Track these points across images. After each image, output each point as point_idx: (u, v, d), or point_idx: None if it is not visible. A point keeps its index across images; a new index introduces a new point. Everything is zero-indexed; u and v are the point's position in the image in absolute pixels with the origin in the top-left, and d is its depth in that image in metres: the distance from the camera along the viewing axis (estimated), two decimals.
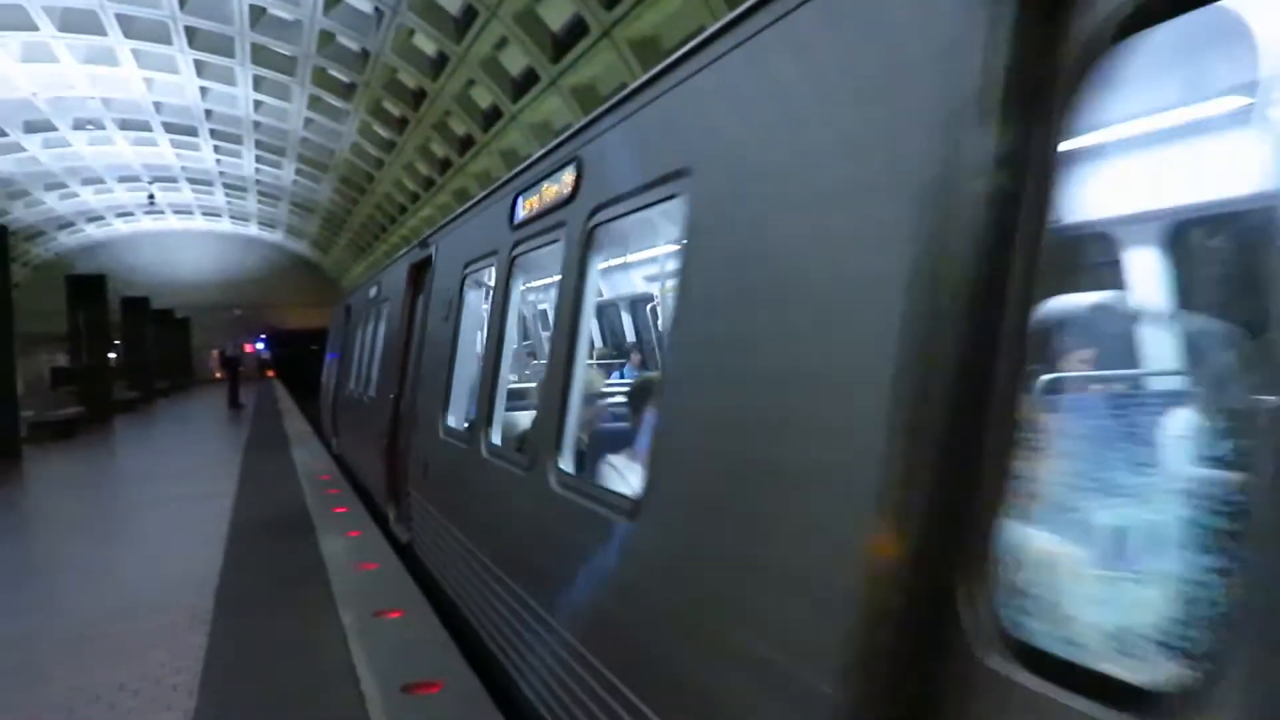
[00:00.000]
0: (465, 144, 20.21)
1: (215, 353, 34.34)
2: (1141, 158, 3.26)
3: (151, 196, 36.07)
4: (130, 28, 19.82)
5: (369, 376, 10.61)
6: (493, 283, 5.54)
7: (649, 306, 9.33)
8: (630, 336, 10.12)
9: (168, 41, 20.37)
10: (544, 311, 10.72)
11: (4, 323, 16.15)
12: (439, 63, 17.60)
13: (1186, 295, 3.56)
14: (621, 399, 5.27)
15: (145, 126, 27.62)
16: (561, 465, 3.68)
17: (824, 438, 1.91)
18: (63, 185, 34.28)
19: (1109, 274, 3.72)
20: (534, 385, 6.14)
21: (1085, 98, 1.47)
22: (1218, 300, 3.48)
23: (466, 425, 5.89)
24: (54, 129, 27.27)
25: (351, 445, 12.12)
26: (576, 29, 13.74)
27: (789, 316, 2.09)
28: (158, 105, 25.53)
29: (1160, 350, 3.52)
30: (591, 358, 7.09)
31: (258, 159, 30.23)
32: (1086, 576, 1.94)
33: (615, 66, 13.48)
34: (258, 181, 34.05)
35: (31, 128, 26.90)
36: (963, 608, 1.51)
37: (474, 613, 4.99)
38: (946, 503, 1.56)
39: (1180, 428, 2.28)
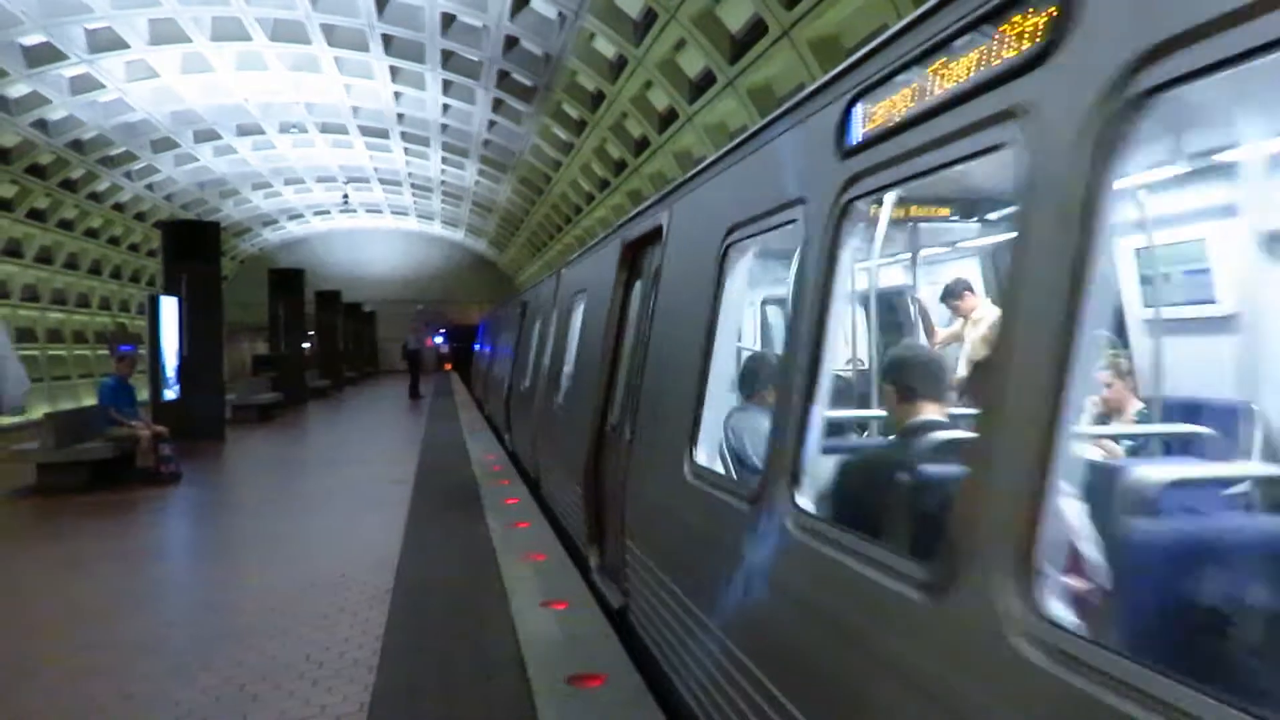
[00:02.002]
0: (640, 146, 20.39)
1: (402, 345, 36.09)
2: None
3: (346, 196, 37.98)
4: (332, 36, 20.98)
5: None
6: None
7: None
8: None
9: (365, 49, 21.43)
10: None
11: (214, 313, 17.41)
12: (618, 65, 17.81)
13: None
14: None
15: (342, 130, 29.10)
16: None
17: None
18: (268, 185, 36.60)
19: None
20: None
21: None
22: None
23: None
24: (262, 132, 29.10)
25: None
26: (755, 29, 13.60)
27: None
28: (355, 110, 26.87)
29: None
30: None
31: (443, 160, 31.35)
32: None
33: (793, 67, 13.27)
34: (442, 182, 35.36)
35: (243, 131, 28.81)
36: None
37: None
38: None
39: None
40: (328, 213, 43.95)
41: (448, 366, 46.61)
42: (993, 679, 1.77)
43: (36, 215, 27.91)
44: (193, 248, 17.19)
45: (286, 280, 29.42)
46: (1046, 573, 1.70)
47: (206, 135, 28.58)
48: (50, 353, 30.90)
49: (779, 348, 4.65)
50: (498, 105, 23.61)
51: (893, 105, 2.58)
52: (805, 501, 2.89)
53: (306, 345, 31.36)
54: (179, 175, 31.66)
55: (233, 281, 40.67)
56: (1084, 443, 1.97)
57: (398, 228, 48.64)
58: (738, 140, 4.14)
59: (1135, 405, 4.33)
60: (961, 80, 2.23)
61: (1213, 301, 4.30)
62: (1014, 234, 1.99)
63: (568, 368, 8.68)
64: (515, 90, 21.93)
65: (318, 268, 43.61)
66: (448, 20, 19.35)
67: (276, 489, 12.04)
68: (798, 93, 3.33)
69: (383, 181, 37.19)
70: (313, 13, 19.57)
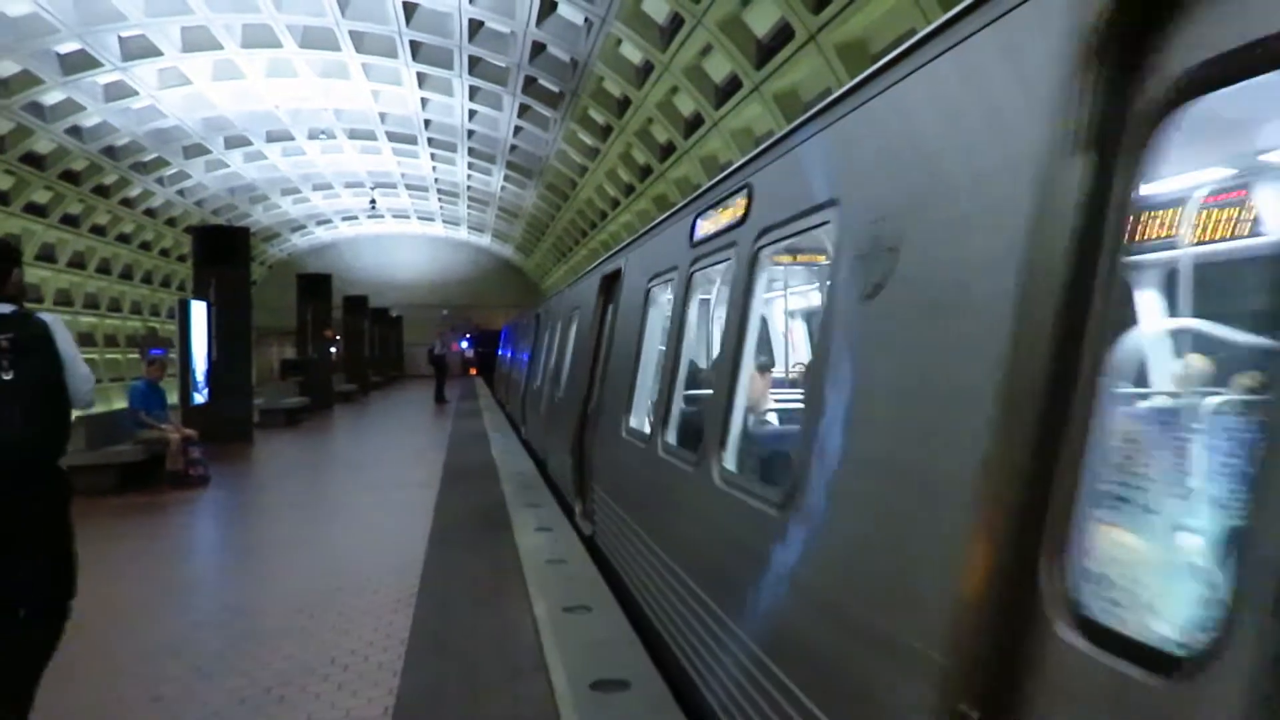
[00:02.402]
0: (666, 150, 20.39)
1: (428, 350, 36.33)
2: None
3: (373, 201, 38.24)
4: (361, 43, 21.15)
5: None
6: None
7: None
8: None
9: (393, 55, 21.60)
10: None
11: (243, 318, 17.55)
12: (644, 70, 17.83)
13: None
14: None
15: (370, 136, 29.31)
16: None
17: None
18: (296, 190, 36.92)
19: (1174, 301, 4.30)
20: None
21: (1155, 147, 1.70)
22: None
23: None
24: (291, 138, 29.38)
25: None
26: (782, 34, 13.57)
27: None
28: (382, 116, 27.07)
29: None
30: None
31: (470, 166, 31.50)
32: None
33: (820, 72, 13.23)
34: (469, 188, 35.53)
35: (272, 137, 29.11)
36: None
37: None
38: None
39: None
40: (355, 218, 44.26)
41: (473, 371, 46.79)
42: (709, 496, 4.05)
43: (70, 221, 28.31)
44: (222, 253, 17.34)
45: (315, 285, 29.60)
46: (724, 452, 4.05)
47: (237, 141, 28.90)
48: (83, 356, 31.27)
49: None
50: (524, 111, 23.70)
51: (708, 225, 4.86)
52: (668, 438, 5.22)
53: (333, 350, 31.52)
54: (210, 181, 32.01)
55: (261, 286, 41.04)
56: (746, 400, 4.21)
57: (424, 233, 48.91)
58: (658, 220, 6.66)
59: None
60: (725, 222, 4.51)
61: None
62: (731, 296, 4.28)
63: (566, 369, 10.71)
64: (542, 96, 22.00)
65: (345, 273, 43.92)
66: (475, 26, 19.45)
67: (303, 492, 12.11)
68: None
69: (410, 187, 37.41)
70: (342, 20, 19.73)
